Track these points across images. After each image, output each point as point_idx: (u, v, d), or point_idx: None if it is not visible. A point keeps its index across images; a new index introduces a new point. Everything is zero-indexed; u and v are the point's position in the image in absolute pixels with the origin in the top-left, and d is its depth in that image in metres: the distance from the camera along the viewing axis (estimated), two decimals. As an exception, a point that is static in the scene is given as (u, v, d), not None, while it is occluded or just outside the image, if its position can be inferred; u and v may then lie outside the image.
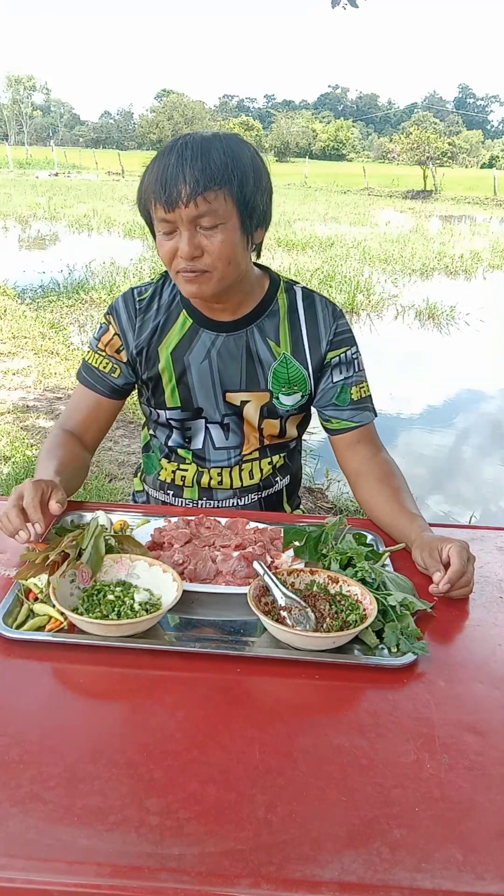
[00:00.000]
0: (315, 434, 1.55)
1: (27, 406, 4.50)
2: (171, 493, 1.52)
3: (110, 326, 1.44)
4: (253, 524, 1.26)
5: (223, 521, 1.28)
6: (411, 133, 35.76)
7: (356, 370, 1.45)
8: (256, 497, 1.51)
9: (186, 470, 1.49)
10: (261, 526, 1.26)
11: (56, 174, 36.09)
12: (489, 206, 27.28)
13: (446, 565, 1.12)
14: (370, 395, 1.48)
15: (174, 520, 1.28)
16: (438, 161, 34.97)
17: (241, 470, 1.48)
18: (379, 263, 11.27)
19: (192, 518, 1.27)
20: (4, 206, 19.07)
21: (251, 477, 1.49)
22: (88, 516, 1.27)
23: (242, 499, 1.50)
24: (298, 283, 1.48)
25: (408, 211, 23.50)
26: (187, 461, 1.49)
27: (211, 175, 1.20)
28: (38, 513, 1.12)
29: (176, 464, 1.50)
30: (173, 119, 75.53)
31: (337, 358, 1.43)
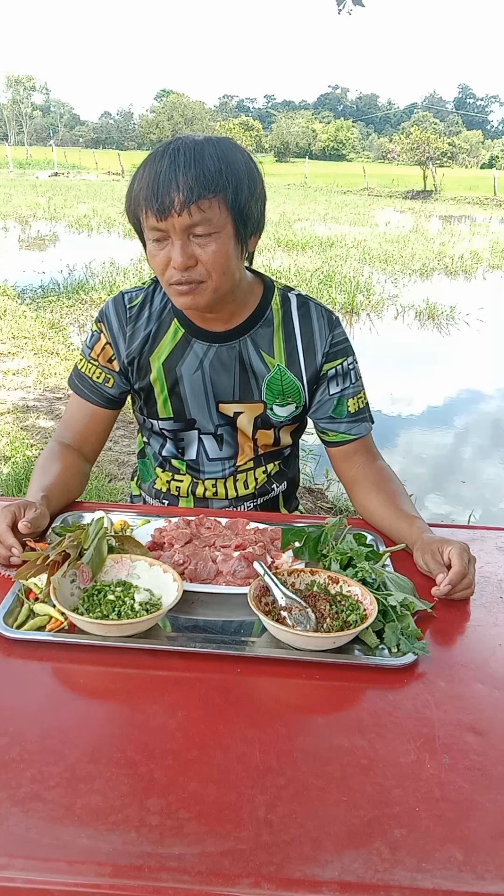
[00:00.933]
0: (314, 435, 1.55)
1: (27, 406, 4.50)
2: (167, 502, 1.51)
3: (101, 335, 1.41)
4: (253, 524, 1.26)
5: (223, 521, 1.28)
6: (411, 133, 35.73)
7: (352, 381, 1.42)
8: (252, 505, 1.50)
9: (181, 481, 1.48)
10: (261, 526, 1.26)
11: (56, 174, 36.08)
12: (489, 206, 27.28)
13: (447, 567, 1.12)
14: (367, 404, 1.46)
15: (175, 520, 1.28)
16: (438, 161, 34.96)
17: (235, 480, 1.47)
18: (379, 263, 11.27)
19: (193, 518, 1.27)
20: (4, 206, 19.08)
21: (246, 487, 1.48)
22: (88, 516, 1.27)
23: (238, 508, 1.48)
24: (294, 289, 1.45)
25: (408, 211, 23.50)
26: (181, 472, 1.48)
27: (205, 182, 1.16)
28: (11, 537, 1.13)
29: (170, 474, 1.49)
30: (173, 119, 75.53)
31: (333, 370, 1.40)
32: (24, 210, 18.18)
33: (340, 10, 5.39)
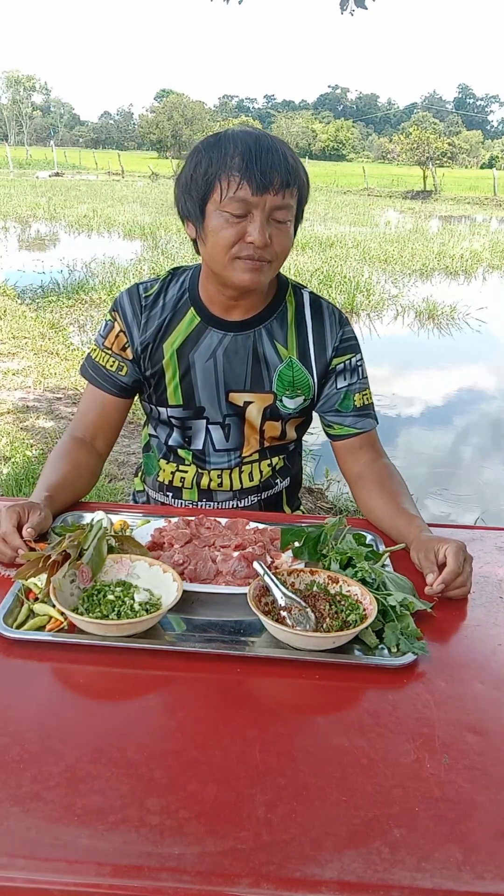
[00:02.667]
0: (315, 434, 1.55)
1: (27, 406, 4.50)
2: (171, 494, 1.52)
3: (115, 323, 1.43)
4: (253, 524, 1.26)
5: (223, 521, 1.28)
6: (411, 133, 35.74)
7: (360, 377, 1.45)
8: (256, 499, 1.50)
9: (186, 471, 1.49)
10: (261, 526, 1.26)
11: (56, 174, 36.09)
12: (489, 206, 27.29)
13: (442, 566, 1.12)
14: (372, 403, 1.48)
15: (174, 520, 1.28)
16: (438, 161, 34.99)
17: (240, 472, 1.48)
18: (379, 264, 11.27)
19: (193, 518, 1.27)
20: (4, 206, 19.07)
21: (251, 479, 1.48)
22: (88, 516, 1.27)
23: (242, 501, 1.50)
24: (306, 287, 1.49)
25: (408, 211, 23.50)
26: (187, 462, 1.49)
27: (295, 174, 1.25)
28: (18, 538, 1.14)
29: (175, 465, 1.50)
30: (173, 119, 75.50)
31: (342, 364, 1.43)
32: (24, 210, 18.17)
33: (343, 11, 5.44)
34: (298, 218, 1.34)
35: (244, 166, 1.20)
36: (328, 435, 1.48)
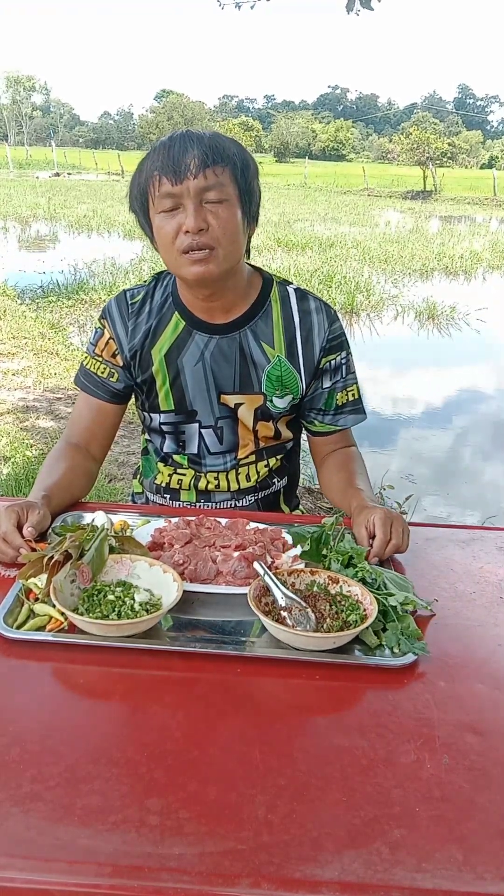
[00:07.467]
0: (315, 434, 1.56)
1: (27, 406, 4.50)
2: (169, 496, 1.52)
3: (105, 331, 1.43)
4: (253, 524, 1.26)
5: (223, 521, 1.28)
6: (411, 133, 35.72)
7: (343, 375, 1.46)
8: (254, 498, 1.51)
9: (184, 475, 1.49)
10: (261, 526, 1.26)
11: (57, 174, 36.08)
12: (489, 206, 27.28)
13: (372, 537, 1.17)
14: (358, 398, 1.49)
15: (175, 520, 1.28)
16: (438, 161, 34.96)
17: (237, 473, 1.48)
18: (379, 264, 11.26)
19: (193, 518, 1.27)
20: (4, 206, 19.07)
21: (248, 480, 1.49)
22: (88, 516, 1.27)
23: (240, 501, 1.50)
24: (291, 282, 1.48)
25: (408, 211, 23.50)
26: (184, 466, 1.49)
27: (218, 152, 1.23)
28: (18, 537, 1.15)
29: (172, 468, 1.50)
30: (173, 119, 75.49)
31: (329, 364, 1.43)
32: (24, 210, 18.16)
33: (350, 12, 5.43)
34: (247, 196, 1.29)
35: (160, 163, 1.23)
36: (307, 429, 1.51)
